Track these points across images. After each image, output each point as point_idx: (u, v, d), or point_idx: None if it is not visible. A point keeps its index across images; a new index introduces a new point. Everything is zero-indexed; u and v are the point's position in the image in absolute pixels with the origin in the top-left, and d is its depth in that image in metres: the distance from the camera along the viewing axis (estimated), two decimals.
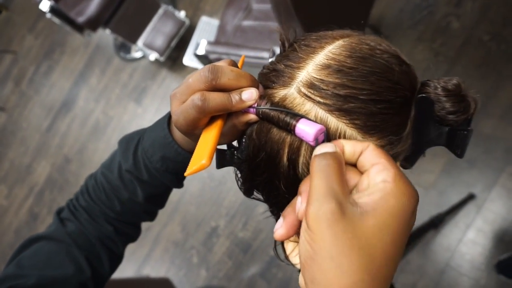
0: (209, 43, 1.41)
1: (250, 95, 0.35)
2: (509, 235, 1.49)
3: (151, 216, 0.60)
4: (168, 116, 0.49)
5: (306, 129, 0.32)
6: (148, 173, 0.51)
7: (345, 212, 0.27)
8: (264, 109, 0.35)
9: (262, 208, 1.89)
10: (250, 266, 1.91)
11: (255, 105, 0.35)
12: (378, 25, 1.86)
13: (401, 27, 1.83)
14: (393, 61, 0.35)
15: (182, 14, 2.24)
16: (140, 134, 0.53)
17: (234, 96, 0.35)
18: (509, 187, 1.52)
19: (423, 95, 0.36)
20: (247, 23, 1.62)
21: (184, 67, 2.27)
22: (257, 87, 0.36)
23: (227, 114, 0.38)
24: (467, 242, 1.54)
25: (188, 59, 2.02)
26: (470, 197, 1.55)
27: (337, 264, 0.26)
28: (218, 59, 1.41)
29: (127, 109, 2.46)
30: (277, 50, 1.42)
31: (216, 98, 0.35)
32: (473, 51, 1.69)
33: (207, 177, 2.10)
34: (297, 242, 0.51)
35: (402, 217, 0.28)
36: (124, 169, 0.52)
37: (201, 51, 1.41)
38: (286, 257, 0.53)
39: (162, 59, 2.19)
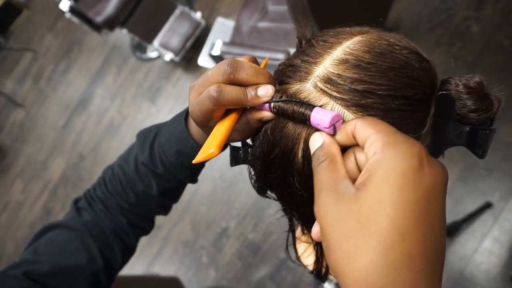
0: (224, 43, 1.42)
1: (266, 91, 0.35)
2: None
3: (165, 210, 0.60)
4: (186, 111, 0.50)
5: (321, 117, 0.31)
6: (163, 167, 0.51)
7: (338, 196, 0.27)
8: (277, 102, 0.34)
9: (272, 209, 1.88)
10: (259, 268, 1.90)
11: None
12: (395, 28, 1.84)
13: (418, 30, 1.80)
14: (412, 57, 0.34)
15: (198, 15, 2.25)
16: (158, 128, 0.53)
17: (250, 92, 0.35)
18: None
19: (444, 92, 0.35)
20: (262, 24, 1.61)
21: (199, 67, 2.28)
22: (275, 86, 0.36)
23: (242, 110, 0.38)
24: (483, 251, 1.50)
25: (203, 60, 2.03)
26: (487, 206, 1.51)
27: (344, 249, 0.25)
28: None
29: (142, 108, 2.48)
30: (292, 52, 1.40)
31: (231, 91, 0.34)
32: (493, 56, 1.65)
33: (218, 177, 2.10)
34: (310, 243, 0.50)
35: (402, 182, 0.24)
36: (140, 161, 0.52)
37: (216, 52, 1.41)
38: (298, 258, 0.53)
39: (177, 59, 2.21)
